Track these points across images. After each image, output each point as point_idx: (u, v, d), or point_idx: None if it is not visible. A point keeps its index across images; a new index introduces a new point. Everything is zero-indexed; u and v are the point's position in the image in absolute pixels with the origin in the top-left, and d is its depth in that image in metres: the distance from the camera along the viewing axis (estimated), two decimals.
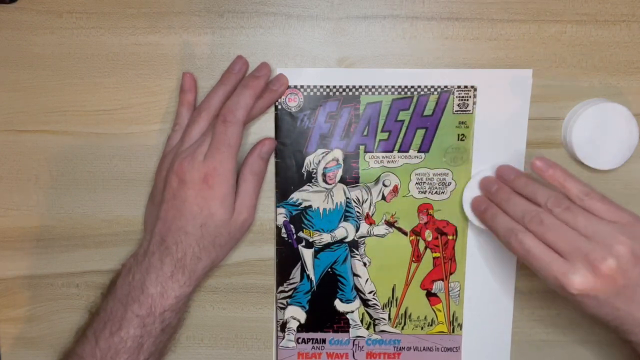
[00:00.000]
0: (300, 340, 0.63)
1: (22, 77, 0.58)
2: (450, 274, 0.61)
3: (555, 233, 0.48)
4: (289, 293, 0.61)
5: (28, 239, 0.61)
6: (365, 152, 0.59)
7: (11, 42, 0.58)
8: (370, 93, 0.58)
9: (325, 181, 0.59)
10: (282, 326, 0.62)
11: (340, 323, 0.62)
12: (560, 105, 0.58)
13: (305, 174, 0.59)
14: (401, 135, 0.59)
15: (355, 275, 0.61)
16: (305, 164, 0.59)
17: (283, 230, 0.60)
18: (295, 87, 0.58)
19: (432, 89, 0.58)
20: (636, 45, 0.58)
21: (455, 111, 0.58)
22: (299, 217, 0.60)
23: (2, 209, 0.61)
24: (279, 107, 0.58)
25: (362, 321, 0.62)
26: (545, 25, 0.57)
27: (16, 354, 0.63)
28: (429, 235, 0.60)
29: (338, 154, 0.59)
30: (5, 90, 0.59)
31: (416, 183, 0.59)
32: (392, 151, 0.59)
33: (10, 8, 0.57)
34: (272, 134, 0.59)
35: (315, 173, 0.59)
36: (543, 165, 0.52)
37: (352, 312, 0.62)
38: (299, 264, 0.61)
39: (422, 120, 0.58)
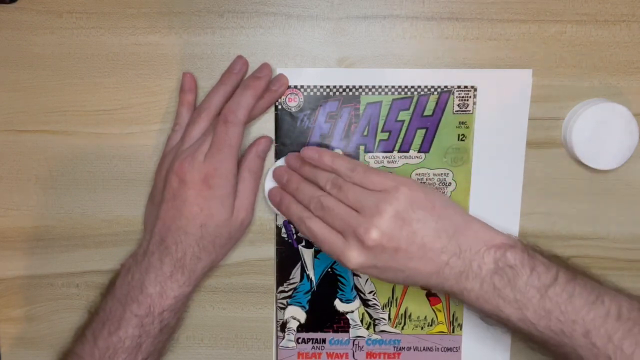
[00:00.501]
0: (300, 340, 0.63)
1: (22, 77, 0.58)
2: None
3: (332, 213, 0.51)
4: (289, 293, 0.61)
5: (28, 239, 0.61)
6: (366, 152, 0.59)
7: (11, 42, 0.58)
8: (370, 93, 0.58)
9: None
10: (282, 326, 0.62)
11: (340, 323, 0.62)
12: (560, 105, 0.58)
13: None
14: (401, 136, 0.59)
15: (355, 275, 0.61)
16: None
17: (283, 230, 0.60)
18: (296, 87, 0.58)
19: (432, 89, 0.58)
20: (636, 45, 0.58)
21: (456, 111, 0.58)
22: None
23: (2, 209, 0.61)
24: (279, 107, 0.58)
25: (362, 321, 0.62)
26: (545, 25, 0.57)
27: (16, 354, 0.63)
28: None
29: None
30: (5, 90, 0.59)
31: None
32: (392, 151, 0.59)
33: (10, 8, 0.57)
34: (272, 134, 0.59)
35: None
36: (311, 152, 0.55)
37: (352, 312, 0.62)
38: (299, 263, 0.61)
39: (422, 121, 0.58)
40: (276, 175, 0.58)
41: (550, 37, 0.58)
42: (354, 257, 0.50)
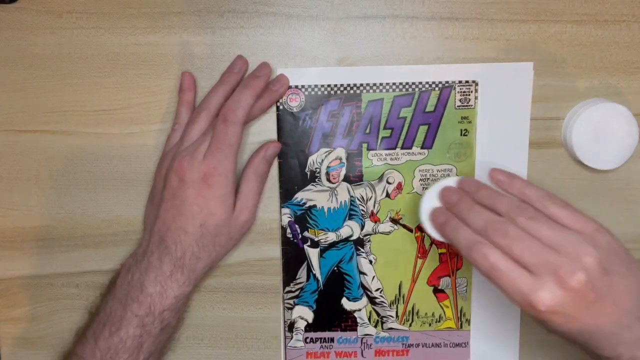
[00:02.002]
0: (308, 340, 0.63)
1: (22, 77, 0.58)
2: (457, 269, 0.61)
3: (521, 245, 0.45)
4: (296, 293, 0.62)
5: (28, 239, 0.61)
6: (368, 149, 0.59)
7: (11, 42, 0.58)
8: (371, 91, 0.58)
9: (329, 180, 0.59)
10: (290, 326, 0.62)
11: (348, 322, 0.62)
12: (560, 105, 0.59)
13: (308, 173, 0.59)
14: (404, 132, 0.59)
15: (361, 273, 0.61)
16: (308, 163, 0.59)
17: (288, 230, 0.60)
18: (296, 87, 0.58)
19: (434, 85, 0.58)
20: (636, 45, 0.58)
21: (457, 106, 0.58)
22: (304, 217, 0.60)
23: (2, 209, 0.61)
24: (281, 107, 0.58)
25: (369, 319, 0.62)
26: (545, 25, 0.57)
27: (16, 354, 0.63)
28: None
29: (341, 152, 0.59)
30: (5, 90, 0.59)
31: (420, 179, 0.59)
32: (395, 148, 0.59)
33: (10, 8, 0.57)
34: (274, 134, 0.59)
35: (319, 172, 0.59)
36: (502, 176, 0.51)
37: (360, 310, 0.62)
38: (305, 263, 0.61)
39: (424, 117, 0.59)
40: (444, 194, 0.53)
41: (550, 37, 0.58)
42: (548, 298, 0.44)
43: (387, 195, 0.60)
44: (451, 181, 0.54)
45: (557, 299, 0.44)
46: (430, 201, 0.54)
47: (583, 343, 0.47)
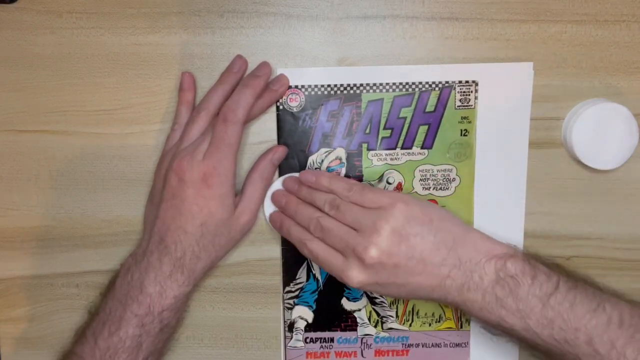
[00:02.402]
0: (308, 340, 0.63)
1: (22, 77, 0.58)
2: None
3: (331, 234, 0.52)
4: (296, 293, 0.62)
5: (28, 239, 0.61)
6: (368, 150, 0.59)
7: (11, 42, 0.58)
8: (371, 91, 0.58)
9: None
10: (290, 326, 0.62)
11: (347, 322, 0.62)
12: (560, 105, 0.58)
13: None
14: (404, 132, 0.59)
15: None
16: (308, 163, 0.59)
17: None
18: (296, 87, 0.58)
19: (434, 85, 0.58)
20: (636, 45, 0.58)
21: (457, 106, 0.58)
22: None
23: (2, 209, 0.61)
24: (281, 107, 0.58)
25: (369, 319, 0.62)
26: (545, 25, 0.57)
27: (16, 354, 0.63)
28: None
29: (341, 152, 0.59)
30: (5, 90, 0.59)
31: (420, 179, 0.60)
32: (395, 148, 0.59)
33: (10, 8, 0.57)
34: (274, 134, 0.59)
35: None
36: (308, 176, 0.56)
37: (360, 310, 0.62)
38: (305, 263, 0.61)
39: (424, 117, 0.59)
40: (275, 199, 0.58)
41: (550, 37, 0.58)
42: (354, 275, 0.50)
43: None
44: (278, 183, 0.59)
45: (363, 274, 0.50)
46: (270, 206, 0.59)
47: (421, 298, 0.52)
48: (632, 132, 0.56)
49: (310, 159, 0.59)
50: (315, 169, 0.59)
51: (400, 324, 0.62)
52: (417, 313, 0.62)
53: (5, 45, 0.58)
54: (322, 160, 0.59)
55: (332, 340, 0.63)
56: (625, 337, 0.46)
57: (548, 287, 0.48)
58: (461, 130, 0.59)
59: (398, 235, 0.50)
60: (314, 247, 0.53)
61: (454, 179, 0.60)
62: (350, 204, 0.52)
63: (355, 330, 0.62)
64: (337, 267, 0.51)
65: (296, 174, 0.58)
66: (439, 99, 0.58)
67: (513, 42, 0.58)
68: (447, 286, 0.50)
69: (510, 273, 0.48)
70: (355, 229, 0.51)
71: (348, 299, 0.62)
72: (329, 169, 0.59)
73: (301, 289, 0.61)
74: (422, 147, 0.59)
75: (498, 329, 0.50)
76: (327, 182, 0.54)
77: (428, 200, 0.60)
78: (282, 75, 0.58)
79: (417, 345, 0.63)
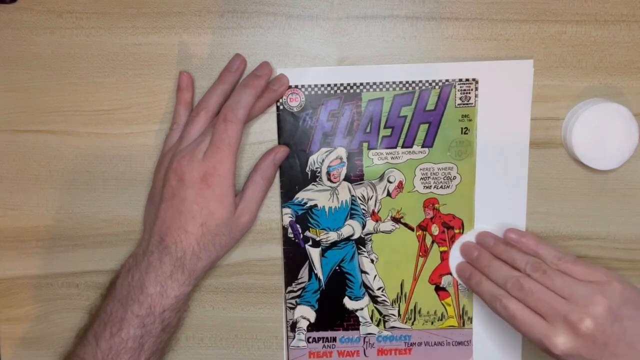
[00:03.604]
0: (310, 340, 0.63)
1: (22, 77, 0.58)
2: None
3: (535, 296, 0.51)
4: (298, 293, 0.62)
5: (28, 239, 0.61)
6: (369, 149, 0.59)
7: (11, 42, 0.58)
8: (371, 90, 0.58)
9: (329, 180, 0.59)
10: (292, 326, 0.62)
11: (350, 321, 0.62)
12: (560, 105, 0.59)
13: (309, 173, 0.59)
14: (404, 131, 0.59)
15: (363, 272, 0.61)
16: (309, 163, 0.59)
17: (289, 230, 0.60)
18: (296, 86, 0.58)
19: (434, 83, 0.58)
20: (636, 45, 0.58)
21: (458, 105, 0.58)
22: (305, 217, 0.60)
23: (2, 209, 0.61)
24: (281, 107, 0.58)
25: (372, 318, 0.62)
26: (545, 25, 0.57)
27: (16, 354, 0.63)
28: (435, 229, 0.60)
29: (341, 152, 0.59)
30: (5, 90, 0.59)
31: (421, 178, 0.60)
32: (395, 147, 0.59)
33: (10, 8, 0.57)
34: (274, 134, 0.59)
35: (320, 172, 0.59)
36: (515, 235, 0.56)
37: (362, 309, 0.62)
38: (307, 263, 0.61)
39: (424, 115, 0.59)
40: (465, 250, 0.59)
41: (550, 37, 0.58)
42: (561, 342, 0.49)
43: (388, 194, 0.60)
44: (470, 236, 0.60)
45: (570, 343, 0.49)
46: (457, 255, 0.60)
47: None
48: (632, 132, 0.56)
49: (311, 159, 0.59)
50: (316, 168, 0.59)
51: (402, 322, 0.62)
52: (420, 312, 0.62)
53: (5, 45, 0.58)
54: (323, 160, 0.59)
55: (334, 339, 0.63)
56: None
57: None
58: (462, 129, 0.59)
59: (614, 314, 0.49)
60: (511, 305, 0.52)
61: (454, 177, 0.60)
62: (559, 272, 0.52)
63: (358, 329, 0.62)
64: (538, 330, 0.50)
65: (491, 231, 0.59)
66: (439, 97, 0.58)
67: (513, 42, 0.58)
68: None
69: None
70: (563, 297, 0.50)
71: (350, 298, 0.62)
72: (329, 169, 0.59)
73: (303, 288, 0.62)
74: (422, 146, 0.59)
75: None
76: (534, 244, 0.54)
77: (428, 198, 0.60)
78: (282, 75, 0.58)
79: (420, 343, 0.63)
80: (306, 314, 0.62)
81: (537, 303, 0.51)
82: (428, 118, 0.59)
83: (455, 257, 0.60)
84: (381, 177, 0.60)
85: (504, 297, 0.52)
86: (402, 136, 0.59)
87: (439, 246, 0.61)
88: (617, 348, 0.48)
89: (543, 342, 0.50)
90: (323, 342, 0.63)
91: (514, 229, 0.57)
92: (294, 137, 0.59)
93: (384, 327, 0.62)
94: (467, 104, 0.58)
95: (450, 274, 0.61)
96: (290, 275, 0.61)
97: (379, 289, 0.62)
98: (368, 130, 0.59)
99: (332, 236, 0.61)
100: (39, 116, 0.59)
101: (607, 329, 0.48)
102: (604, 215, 0.60)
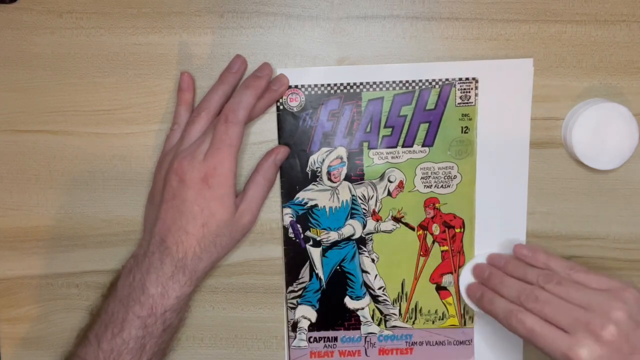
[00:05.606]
0: (312, 340, 0.63)
1: (22, 77, 0.58)
2: (459, 267, 0.61)
3: (552, 307, 0.49)
4: (299, 293, 0.62)
5: (28, 239, 0.61)
6: (369, 148, 0.59)
7: (11, 42, 0.58)
8: (371, 89, 0.58)
9: (330, 179, 0.59)
10: (293, 326, 0.62)
11: (351, 320, 0.62)
12: (560, 105, 0.59)
13: (309, 173, 0.59)
14: (404, 131, 0.59)
15: (364, 271, 0.61)
16: (309, 163, 0.59)
17: (290, 230, 0.60)
18: (296, 86, 0.58)
19: (434, 83, 0.58)
20: (636, 45, 0.58)
21: (458, 104, 0.58)
22: (306, 217, 0.60)
23: (2, 209, 0.61)
24: (281, 107, 0.58)
25: (373, 317, 0.62)
26: (545, 25, 0.57)
27: (16, 354, 0.63)
28: (436, 229, 0.60)
29: (342, 151, 0.59)
30: (5, 90, 0.59)
31: (421, 177, 0.60)
32: (395, 147, 0.59)
33: (10, 8, 0.57)
34: (274, 134, 0.59)
35: (320, 172, 0.59)
36: (525, 250, 0.55)
37: (363, 308, 0.62)
38: (308, 263, 0.61)
39: (424, 115, 0.59)
40: (477, 271, 0.58)
41: (550, 37, 0.58)
42: (586, 353, 0.47)
43: (389, 193, 0.60)
44: (481, 258, 0.59)
45: (595, 353, 0.47)
46: (467, 277, 0.59)
47: None
48: (632, 132, 0.56)
49: (311, 159, 0.59)
50: (317, 168, 0.59)
51: (403, 321, 0.62)
52: (421, 311, 0.62)
53: (5, 45, 0.58)
54: (323, 160, 0.59)
55: (335, 339, 0.63)
56: None
57: None
58: (462, 128, 0.59)
59: (634, 320, 0.47)
60: (527, 318, 0.50)
61: (455, 177, 0.60)
62: (573, 282, 0.50)
63: (359, 329, 0.62)
64: (559, 343, 0.48)
65: (502, 254, 0.58)
66: (439, 96, 0.58)
67: (513, 42, 0.58)
68: None
69: None
70: (580, 307, 0.49)
71: (351, 297, 0.62)
72: (330, 168, 0.59)
73: (304, 288, 0.62)
74: (423, 145, 0.59)
75: None
76: (545, 257, 0.54)
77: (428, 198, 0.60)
78: (282, 75, 0.58)
79: (421, 343, 0.63)
80: (307, 313, 0.62)
81: (555, 314, 0.49)
82: (428, 117, 0.59)
83: (465, 279, 0.59)
84: (382, 177, 0.60)
85: (520, 311, 0.51)
86: (403, 135, 0.59)
87: (439, 245, 0.61)
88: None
89: (567, 354, 0.47)
90: (324, 341, 0.63)
91: (524, 245, 0.56)
92: (294, 137, 0.59)
93: (385, 326, 0.62)
94: (467, 103, 0.58)
95: (452, 273, 0.61)
96: (291, 275, 0.61)
97: (379, 288, 0.62)
98: (368, 129, 0.59)
99: (333, 236, 0.61)
100: (39, 116, 0.59)
101: (630, 335, 0.47)
102: (604, 215, 0.60)
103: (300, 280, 0.61)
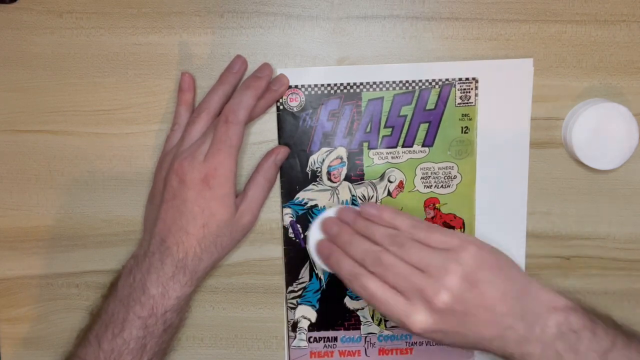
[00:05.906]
0: (312, 340, 0.63)
1: (22, 77, 0.58)
2: None
3: (393, 272, 0.48)
4: (299, 293, 0.62)
5: (28, 239, 0.61)
6: (369, 148, 0.59)
7: (11, 42, 0.58)
8: (371, 89, 0.58)
9: (330, 180, 0.59)
10: (293, 326, 0.62)
11: (351, 320, 0.62)
12: (560, 105, 0.59)
13: (309, 173, 0.59)
14: (404, 131, 0.59)
15: None
16: (309, 163, 0.59)
17: (290, 230, 0.60)
18: (296, 86, 0.58)
19: (434, 83, 0.58)
20: (636, 45, 0.58)
21: (458, 104, 0.58)
22: (306, 217, 0.60)
23: (2, 209, 0.61)
24: (281, 107, 0.58)
25: (373, 317, 0.62)
26: (545, 25, 0.57)
27: (16, 354, 0.63)
28: None
29: (342, 151, 0.59)
30: (5, 90, 0.59)
31: (421, 178, 0.60)
32: (396, 147, 0.59)
33: (10, 8, 0.57)
34: (274, 134, 0.59)
35: (320, 172, 0.59)
36: (373, 209, 0.53)
37: (363, 308, 0.62)
38: (307, 263, 0.61)
39: (424, 115, 0.59)
40: (326, 227, 0.55)
41: (550, 37, 0.58)
42: (420, 320, 0.47)
43: (389, 193, 0.60)
44: (331, 212, 0.56)
45: (429, 320, 0.47)
46: (316, 233, 0.56)
47: (478, 349, 0.49)
48: (632, 132, 0.56)
49: (311, 159, 0.59)
50: (317, 168, 0.59)
51: None
52: None
53: (5, 45, 0.58)
54: (323, 160, 0.59)
55: (335, 339, 0.63)
56: None
57: (606, 343, 0.46)
58: (462, 128, 0.59)
59: (469, 281, 0.47)
60: (370, 284, 0.49)
61: (455, 177, 0.60)
62: (415, 242, 0.49)
63: (359, 329, 0.62)
64: (398, 310, 0.47)
65: (353, 207, 0.56)
66: (439, 96, 0.58)
67: (513, 42, 0.58)
68: (507, 337, 0.47)
69: (573, 327, 0.46)
70: (420, 270, 0.48)
71: (351, 297, 0.62)
72: (330, 168, 0.59)
73: (304, 288, 0.62)
74: (423, 145, 0.59)
75: None
76: (390, 216, 0.52)
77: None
78: (282, 75, 0.58)
79: (421, 343, 0.63)
80: (307, 313, 0.62)
81: (396, 279, 0.48)
82: (428, 117, 0.59)
83: (314, 235, 0.56)
84: (382, 177, 0.60)
85: (363, 275, 0.49)
86: (403, 136, 0.59)
87: None
88: (478, 314, 0.47)
89: (403, 321, 0.47)
90: (324, 341, 0.63)
91: (373, 204, 0.55)
92: (294, 137, 0.59)
93: (385, 326, 0.62)
94: (467, 103, 0.58)
95: None
96: (291, 275, 0.61)
97: None
98: (368, 129, 0.59)
99: None
100: (39, 116, 0.59)
101: (465, 297, 0.46)
102: (604, 215, 0.60)
103: (300, 280, 0.61)
